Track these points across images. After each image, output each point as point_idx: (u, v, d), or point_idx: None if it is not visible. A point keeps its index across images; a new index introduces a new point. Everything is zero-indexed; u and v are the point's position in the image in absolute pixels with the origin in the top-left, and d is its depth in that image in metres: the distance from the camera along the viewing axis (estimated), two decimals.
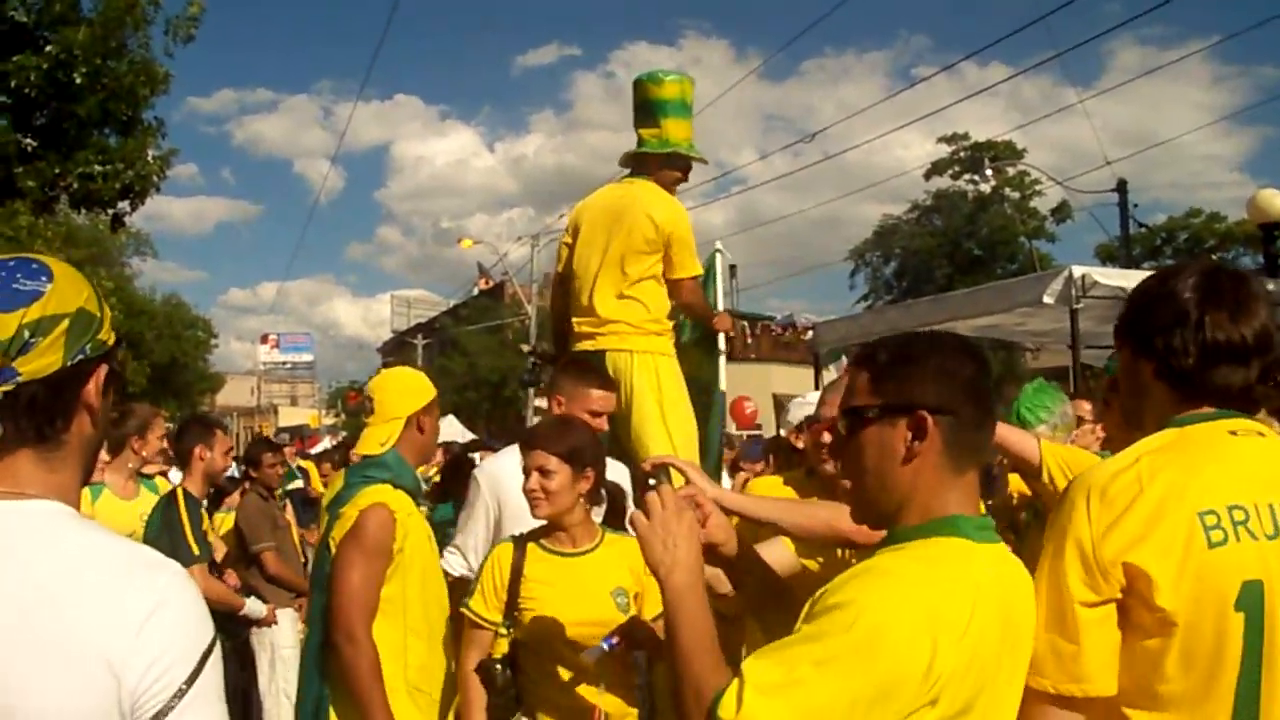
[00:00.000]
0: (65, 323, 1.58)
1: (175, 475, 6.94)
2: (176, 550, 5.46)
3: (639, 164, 5.43)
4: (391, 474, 3.72)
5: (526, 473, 3.58)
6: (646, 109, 5.39)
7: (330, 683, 3.61)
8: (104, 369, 1.66)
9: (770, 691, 1.65)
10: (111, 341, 1.69)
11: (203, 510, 6.13)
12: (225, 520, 8.57)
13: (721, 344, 5.69)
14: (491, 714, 3.54)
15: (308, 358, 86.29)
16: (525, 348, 33.29)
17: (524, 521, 3.82)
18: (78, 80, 15.23)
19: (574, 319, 5.39)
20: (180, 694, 1.48)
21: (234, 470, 9.86)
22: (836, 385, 3.47)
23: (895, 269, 50.26)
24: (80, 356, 1.61)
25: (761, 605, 2.36)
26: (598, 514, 3.79)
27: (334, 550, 3.64)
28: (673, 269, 5.20)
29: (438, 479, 8.96)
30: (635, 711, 3.59)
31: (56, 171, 15.84)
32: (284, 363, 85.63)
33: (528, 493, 3.57)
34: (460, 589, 4.06)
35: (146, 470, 6.55)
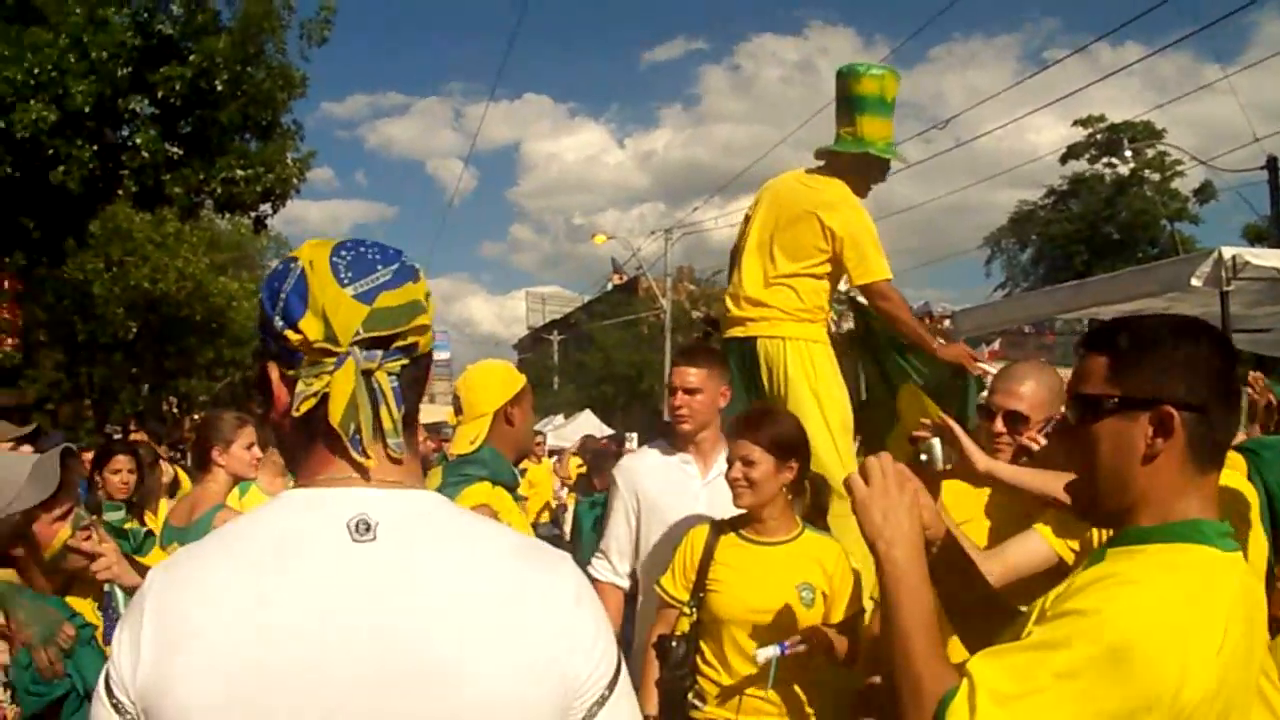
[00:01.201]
0: (434, 300, 1.55)
1: None
2: None
3: (831, 161, 5.18)
4: (488, 470, 3.68)
5: (730, 462, 3.56)
6: (844, 105, 5.15)
7: None
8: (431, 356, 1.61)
9: (1006, 701, 1.53)
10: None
11: None
12: None
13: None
14: (663, 687, 3.55)
15: (444, 356, 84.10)
16: (697, 314, 33.07)
17: (663, 516, 3.80)
18: (219, 88, 15.71)
19: (727, 297, 5.27)
20: (614, 681, 1.45)
21: None
22: (1011, 374, 3.37)
23: (1031, 255, 49.15)
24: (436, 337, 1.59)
25: (957, 603, 2.14)
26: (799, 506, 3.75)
27: None
28: (850, 275, 5.01)
29: (583, 470, 8.95)
30: (810, 715, 3.54)
31: (201, 177, 16.36)
32: None
33: (731, 481, 3.55)
34: (603, 594, 4.01)
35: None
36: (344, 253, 1.47)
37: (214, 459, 4.83)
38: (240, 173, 16.36)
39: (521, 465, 3.98)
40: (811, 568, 3.55)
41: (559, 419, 27.09)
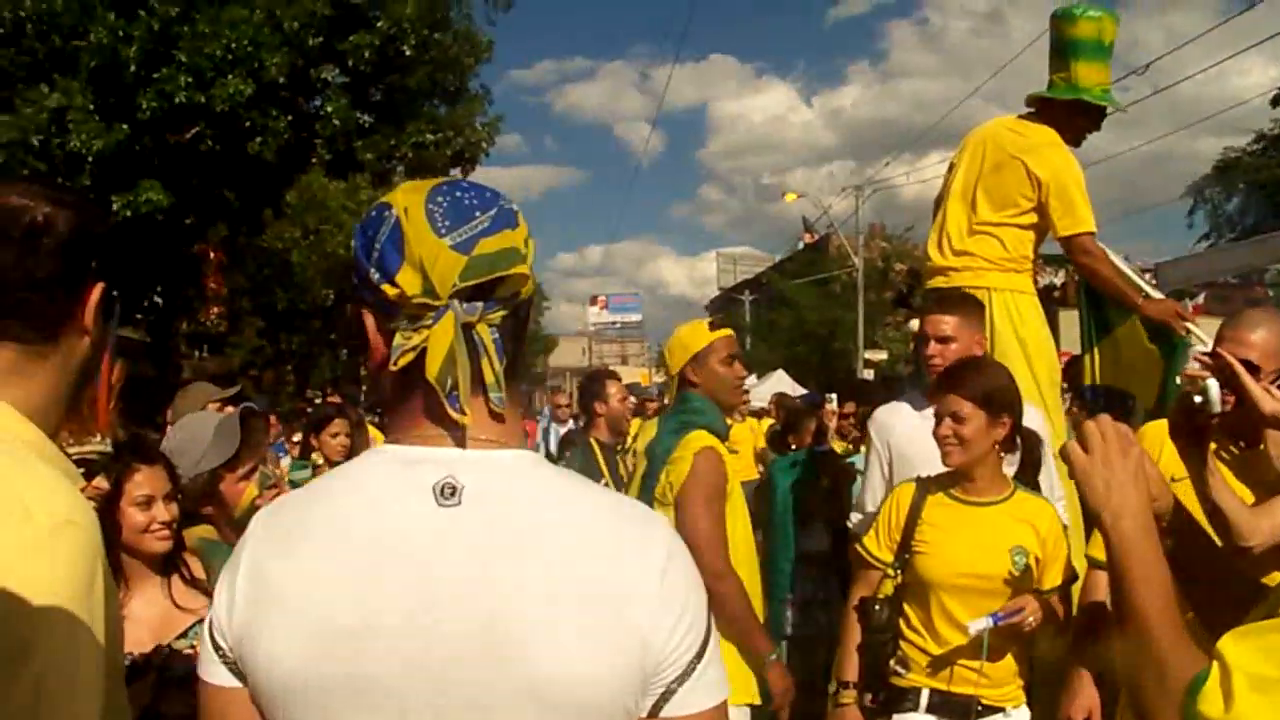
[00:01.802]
0: (533, 244, 1.48)
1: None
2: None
3: (1043, 108, 4.87)
4: (705, 419, 3.70)
5: (939, 418, 3.33)
6: (1057, 49, 4.85)
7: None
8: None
9: (1267, 686, 1.30)
10: None
11: (616, 456, 6.37)
12: None
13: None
14: (864, 653, 3.42)
15: (636, 318, 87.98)
16: (900, 267, 32.71)
17: (913, 468, 3.67)
18: (407, 53, 15.94)
19: (929, 246, 5.01)
20: (699, 655, 1.37)
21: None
22: (1241, 321, 2.98)
23: (1238, 204, 46.43)
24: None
25: (1191, 576, 1.91)
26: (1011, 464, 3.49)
27: (672, 495, 3.63)
28: (1053, 226, 4.70)
29: (779, 428, 8.76)
30: (1016, 689, 3.33)
31: (391, 143, 16.70)
32: (613, 323, 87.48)
33: (940, 439, 3.32)
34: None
35: None
36: (440, 199, 1.40)
37: None
38: (429, 137, 16.68)
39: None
40: (1024, 530, 3.29)
41: (752, 379, 26.93)
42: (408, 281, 1.37)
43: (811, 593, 6.12)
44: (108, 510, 2.73)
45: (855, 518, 4.33)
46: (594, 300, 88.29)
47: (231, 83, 13.97)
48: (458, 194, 1.42)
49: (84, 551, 1.37)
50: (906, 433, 4.05)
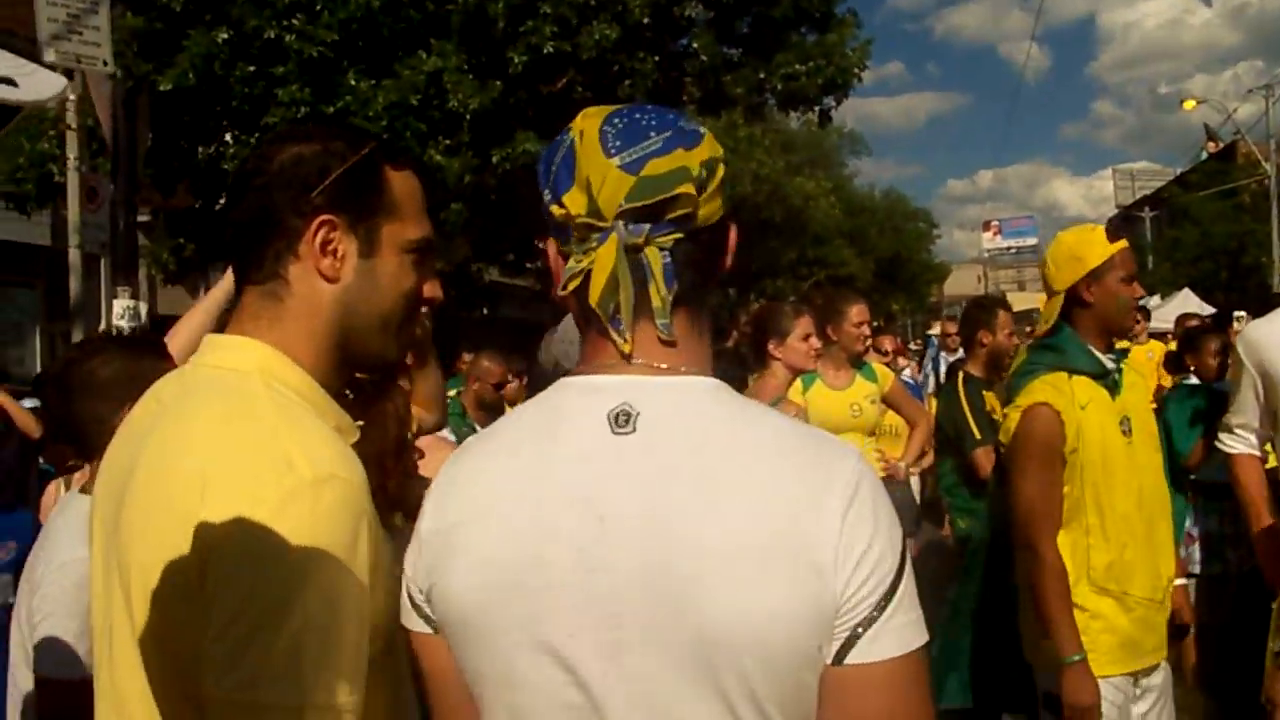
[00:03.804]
0: (722, 168, 1.42)
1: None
2: (960, 435, 5.67)
3: None
4: (1062, 357, 3.41)
5: None
6: None
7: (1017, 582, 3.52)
8: (735, 230, 1.48)
9: None
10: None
11: (985, 392, 5.88)
12: None
13: None
14: None
15: (1031, 242, 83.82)
16: None
17: None
18: None
19: None
20: (885, 599, 1.28)
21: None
22: None
23: None
24: (727, 208, 1.45)
25: None
26: None
27: (1005, 448, 3.53)
28: None
29: (1175, 350, 8.00)
30: None
31: (761, 76, 16.34)
32: (1008, 248, 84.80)
33: None
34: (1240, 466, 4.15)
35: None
36: (617, 120, 1.40)
37: (770, 352, 4.81)
38: (799, 67, 16.10)
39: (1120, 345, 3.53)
40: None
41: (1155, 299, 25.18)
42: (574, 202, 1.37)
43: (1216, 527, 5.68)
44: None
45: (1227, 439, 4.24)
46: (986, 226, 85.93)
47: (597, 28, 13.99)
48: (636, 116, 1.41)
49: (348, 506, 1.34)
50: None
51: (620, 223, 1.35)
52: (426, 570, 1.38)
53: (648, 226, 1.35)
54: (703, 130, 1.41)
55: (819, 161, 40.21)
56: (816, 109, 17.41)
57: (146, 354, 2.55)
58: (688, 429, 1.33)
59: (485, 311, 24.42)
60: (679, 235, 1.37)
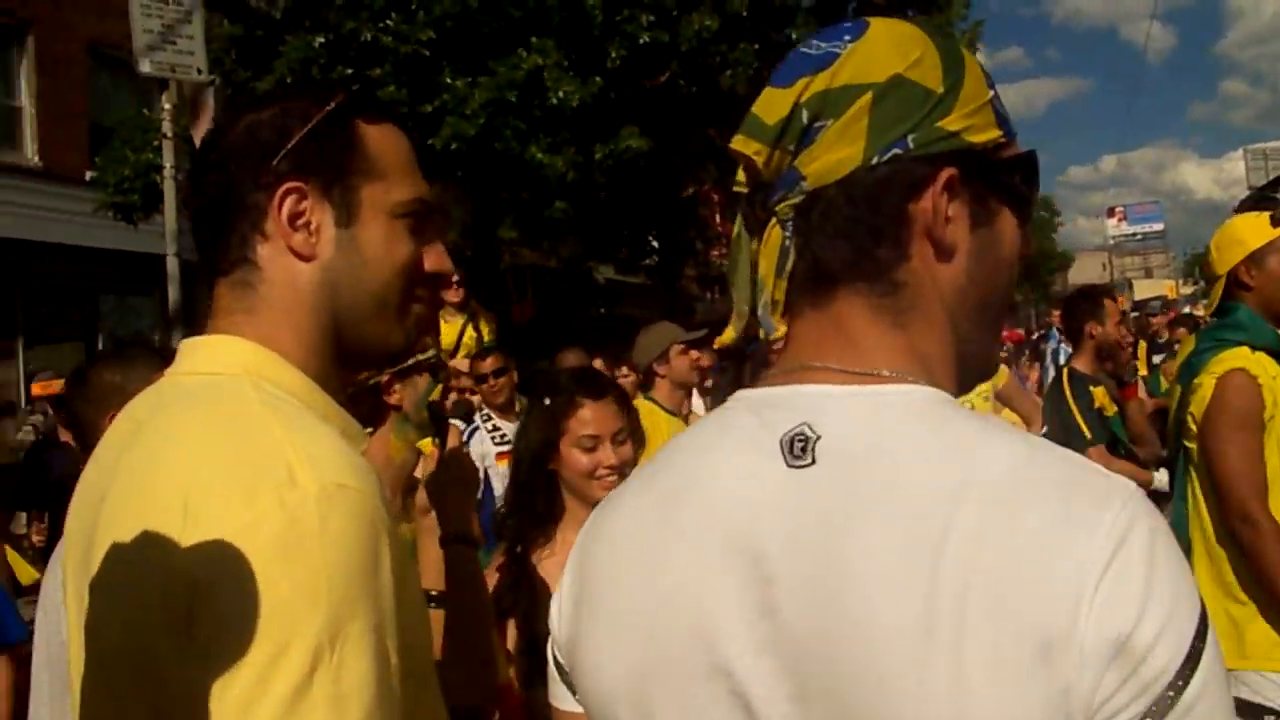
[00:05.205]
0: (866, 97, 1.05)
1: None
2: (1068, 435, 5.26)
3: None
4: (1243, 333, 3.39)
5: None
6: None
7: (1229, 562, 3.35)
8: (951, 174, 1.06)
9: None
10: (978, 138, 1.09)
11: (1092, 388, 5.55)
12: None
13: None
14: None
15: (1158, 227, 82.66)
16: None
17: None
18: None
19: None
20: (1174, 692, 0.87)
21: None
22: None
23: None
24: (895, 151, 1.05)
25: None
26: None
27: (1195, 425, 3.41)
28: None
29: None
30: None
31: None
32: (1133, 234, 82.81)
33: None
34: None
35: None
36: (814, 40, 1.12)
37: None
38: None
39: None
40: None
41: None
42: (742, 148, 1.11)
43: None
44: (546, 448, 2.65)
45: None
46: (1111, 212, 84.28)
47: (696, 20, 13.81)
48: (812, 43, 1.11)
49: (363, 521, 1.13)
50: None
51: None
52: (570, 634, 1.15)
53: (781, 192, 1.09)
54: (841, 49, 1.08)
55: None
56: None
57: (141, 362, 2.45)
58: (882, 463, 1.00)
59: (602, 310, 24.42)
60: (794, 200, 1.07)
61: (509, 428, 5.96)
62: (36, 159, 17.80)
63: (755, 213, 1.10)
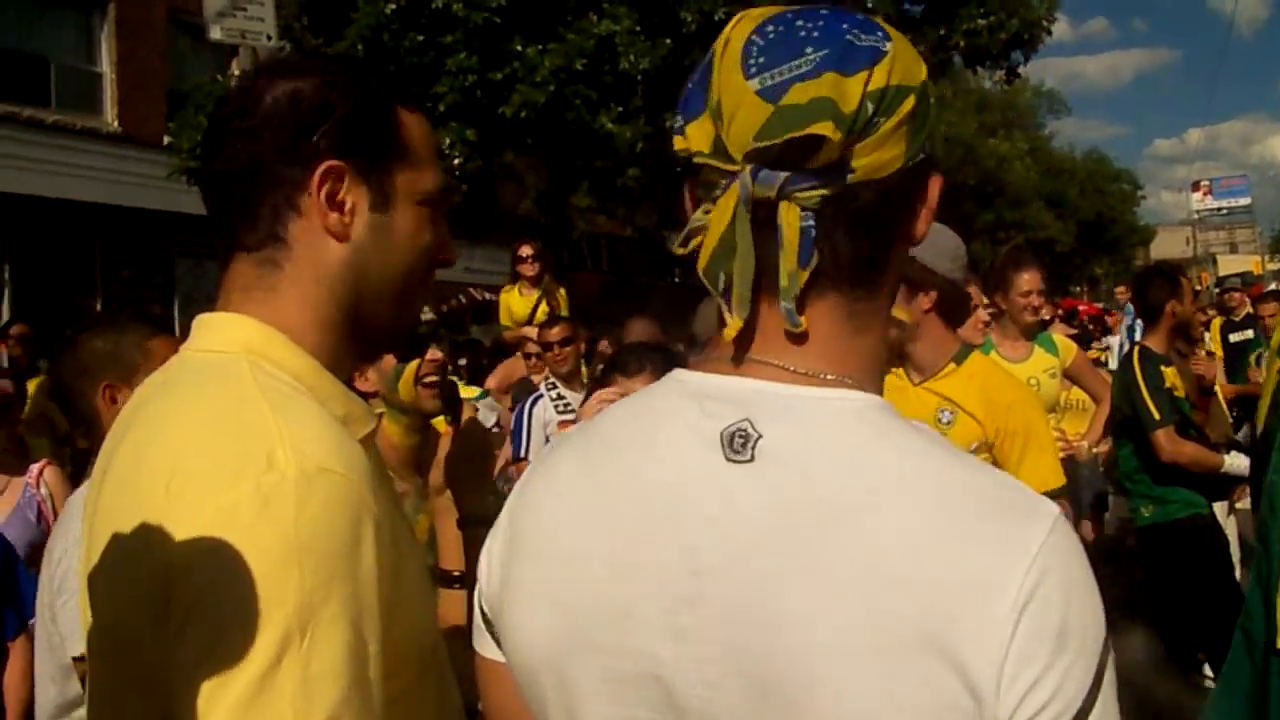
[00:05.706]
0: (911, 99, 1.05)
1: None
2: (1140, 416, 5.16)
3: None
4: None
5: None
6: None
7: None
8: (939, 181, 1.12)
9: None
10: (935, 147, 1.14)
11: (1164, 368, 5.36)
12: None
13: None
14: None
15: (1244, 202, 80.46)
16: None
17: None
18: None
19: None
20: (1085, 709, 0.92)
21: None
22: None
23: None
24: (921, 156, 1.08)
25: None
26: None
27: None
28: None
29: None
30: None
31: (941, 33, 15.81)
32: (1219, 209, 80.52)
33: None
34: None
35: None
36: (770, 28, 1.05)
37: None
38: (981, 22, 15.64)
39: None
40: None
41: None
42: (697, 134, 1.06)
43: None
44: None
45: None
46: (1195, 186, 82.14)
47: None
48: (798, 23, 1.05)
49: (343, 506, 1.11)
50: None
51: (749, 167, 1.02)
52: (496, 591, 1.15)
53: (784, 176, 1.01)
54: (885, 47, 1.04)
55: (1014, 122, 39.03)
56: (1003, 65, 16.90)
57: (131, 332, 2.47)
58: (819, 470, 1.01)
59: (676, 279, 24.39)
60: (825, 192, 1.03)
61: (573, 397, 5.99)
62: (116, 124, 18.04)
63: (760, 195, 1.04)
